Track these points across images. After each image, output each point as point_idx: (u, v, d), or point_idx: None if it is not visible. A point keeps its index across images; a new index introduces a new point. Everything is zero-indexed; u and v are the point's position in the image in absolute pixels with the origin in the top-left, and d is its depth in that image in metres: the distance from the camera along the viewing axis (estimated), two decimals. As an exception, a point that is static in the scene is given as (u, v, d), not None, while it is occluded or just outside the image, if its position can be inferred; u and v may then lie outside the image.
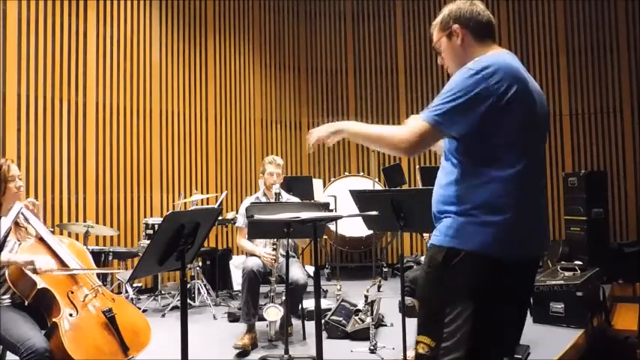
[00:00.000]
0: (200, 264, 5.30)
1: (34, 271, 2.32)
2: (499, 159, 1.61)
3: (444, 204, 1.69)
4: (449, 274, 1.62)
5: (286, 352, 3.22)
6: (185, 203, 5.44)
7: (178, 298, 4.62)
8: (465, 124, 1.61)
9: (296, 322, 4.00)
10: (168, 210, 5.96)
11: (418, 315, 1.74)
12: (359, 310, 3.86)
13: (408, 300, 3.20)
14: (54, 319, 2.30)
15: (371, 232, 5.79)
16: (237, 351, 3.51)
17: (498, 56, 1.68)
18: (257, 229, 3.58)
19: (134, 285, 4.99)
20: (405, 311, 2.98)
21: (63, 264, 2.50)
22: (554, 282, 4.09)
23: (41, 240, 2.55)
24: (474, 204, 1.61)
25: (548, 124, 1.82)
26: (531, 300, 4.17)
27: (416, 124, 1.66)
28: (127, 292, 4.77)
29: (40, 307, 2.42)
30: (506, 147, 1.61)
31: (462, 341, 1.57)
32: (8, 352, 2.28)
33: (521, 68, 1.68)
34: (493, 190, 1.60)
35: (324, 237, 6.41)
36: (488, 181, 1.61)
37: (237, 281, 5.40)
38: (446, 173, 1.71)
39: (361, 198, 3.00)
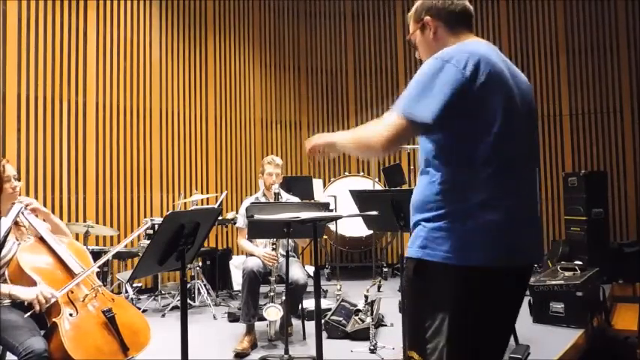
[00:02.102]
0: (200, 264, 5.30)
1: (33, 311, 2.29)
2: (472, 157, 1.48)
3: (415, 212, 1.59)
4: (421, 286, 1.54)
5: (286, 352, 3.22)
6: (185, 203, 5.44)
7: (178, 298, 4.62)
8: (440, 114, 1.47)
9: (296, 322, 4.00)
10: (168, 210, 5.96)
11: (408, 329, 1.67)
12: (359, 310, 3.86)
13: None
14: (54, 319, 2.30)
15: (371, 232, 5.79)
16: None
17: (469, 44, 1.57)
18: (257, 229, 3.58)
19: (134, 285, 4.99)
20: (405, 311, 2.98)
21: (63, 264, 2.50)
22: (554, 282, 4.09)
23: (41, 239, 2.55)
24: (443, 210, 1.50)
25: (534, 116, 1.66)
26: (531, 300, 4.19)
27: (388, 119, 1.53)
28: (126, 292, 4.77)
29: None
30: (481, 142, 1.48)
31: (442, 357, 1.49)
32: (8, 353, 2.28)
33: (496, 57, 1.55)
34: (460, 195, 1.48)
35: (324, 237, 6.41)
36: (458, 183, 1.49)
37: (237, 281, 5.40)
38: (420, 180, 1.61)
39: (361, 198, 3.00)
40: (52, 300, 2.31)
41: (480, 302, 1.49)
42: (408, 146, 4.08)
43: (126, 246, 5.61)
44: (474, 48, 1.53)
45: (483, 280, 1.48)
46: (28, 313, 2.28)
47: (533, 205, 1.60)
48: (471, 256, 1.47)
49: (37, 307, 2.27)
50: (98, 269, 3.90)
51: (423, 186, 1.57)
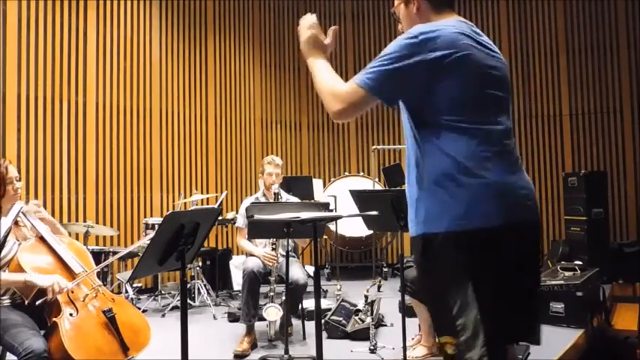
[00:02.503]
0: (200, 264, 5.30)
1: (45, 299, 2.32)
2: (450, 126, 1.51)
3: (412, 193, 1.59)
4: (435, 262, 1.52)
5: (286, 352, 3.22)
6: (185, 203, 5.44)
7: (178, 298, 4.62)
8: (400, 90, 1.55)
9: (296, 322, 4.00)
10: (168, 210, 5.96)
11: (433, 315, 1.63)
12: (359, 310, 3.86)
13: (408, 300, 3.20)
14: (54, 319, 2.30)
15: (371, 232, 5.79)
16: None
17: (442, 23, 1.59)
18: (257, 229, 3.57)
19: (134, 285, 4.99)
20: (405, 311, 2.98)
21: (63, 264, 2.50)
22: (554, 282, 4.09)
23: (41, 239, 2.55)
24: (435, 179, 1.51)
25: (507, 85, 1.66)
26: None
27: (349, 87, 1.57)
28: (127, 292, 4.77)
29: (40, 306, 2.42)
30: (451, 112, 1.51)
31: (477, 330, 1.45)
32: (8, 353, 2.28)
33: (467, 35, 1.56)
34: (449, 159, 1.50)
35: (324, 237, 6.41)
36: (442, 150, 1.51)
37: (237, 281, 5.40)
38: (407, 155, 1.64)
39: (361, 198, 3.00)
40: (64, 290, 2.34)
41: (496, 262, 1.48)
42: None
43: (126, 246, 5.63)
44: (444, 26, 1.55)
45: (492, 240, 1.48)
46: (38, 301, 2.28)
47: (515, 160, 1.61)
48: (475, 219, 1.47)
49: (50, 295, 2.29)
50: (98, 269, 3.90)
51: (409, 161, 1.61)
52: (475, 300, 1.46)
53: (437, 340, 1.61)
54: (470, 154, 1.50)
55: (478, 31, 1.64)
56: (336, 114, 1.59)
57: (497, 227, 1.48)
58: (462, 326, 1.47)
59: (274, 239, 3.78)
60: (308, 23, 1.81)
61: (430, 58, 1.49)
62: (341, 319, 3.87)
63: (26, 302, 2.39)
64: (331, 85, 1.63)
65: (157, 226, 4.64)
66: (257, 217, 3.11)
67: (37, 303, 2.32)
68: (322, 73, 1.69)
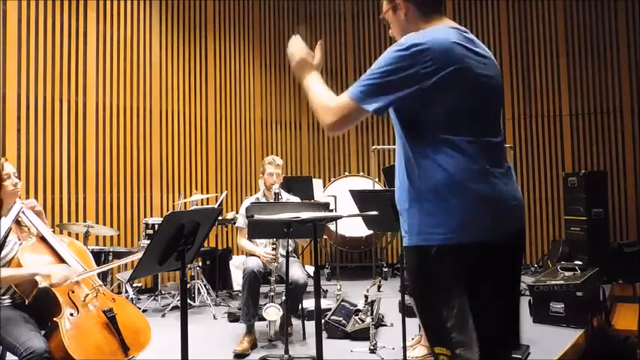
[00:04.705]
0: (200, 264, 5.31)
1: (50, 284, 2.33)
2: (444, 140, 1.52)
3: (402, 200, 1.61)
4: (430, 273, 1.53)
5: (286, 352, 3.22)
6: (185, 203, 5.44)
7: (178, 298, 4.62)
8: (391, 103, 1.55)
9: (296, 322, 4.00)
10: (168, 210, 5.96)
11: (426, 325, 1.64)
12: (359, 310, 3.86)
13: (408, 300, 3.20)
14: (55, 319, 2.30)
15: (371, 232, 5.79)
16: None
17: (434, 32, 1.58)
18: (257, 229, 3.58)
19: (134, 285, 4.99)
20: (405, 311, 2.98)
21: (64, 263, 2.50)
22: (554, 282, 4.09)
23: (42, 239, 2.55)
24: (429, 192, 1.52)
25: (501, 94, 1.70)
26: (531, 300, 4.19)
27: (341, 100, 1.58)
28: (127, 292, 4.77)
29: (40, 306, 2.42)
30: (446, 125, 1.52)
31: (472, 343, 1.47)
32: (8, 353, 2.28)
33: (459, 44, 1.56)
34: (444, 172, 1.51)
35: (324, 237, 6.41)
36: (437, 162, 1.52)
37: (237, 281, 5.40)
38: (398, 165, 1.64)
39: (361, 198, 3.00)
40: (68, 281, 2.36)
41: (490, 273, 1.51)
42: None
43: (126, 246, 5.63)
44: (436, 37, 1.54)
45: (487, 252, 1.50)
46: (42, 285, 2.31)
47: (506, 171, 1.62)
48: (470, 232, 1.50)
49: (55, 280, 2.32)
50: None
51: (402, 171, 1.61)
52: (470, 313, 1.48)
53: (431, 348, 1.60)
54: (464, 167, 1.51)
55: (471, 37, 1.63)
56: (329, 127, 1.61)
57: (491, 239, 1.52)
58: (458, 340, 1.49)
59: (274, 239, 3.78)
60: (295, 48, 1.80)
61: (422, 72, 1.49)
62: (341, 319, 3.87)
63: (27, 302, 2.39)
64: (323, 99, 1.64)
65: (157, 226, 4.66)
66: (257, 217, 3.11)
67: (41, 286, 2.33)
68: (314, 89, 1.70)
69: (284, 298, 3.56)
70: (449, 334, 1.50)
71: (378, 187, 6.37)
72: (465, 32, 1.64)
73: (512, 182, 1.62)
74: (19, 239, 2.53)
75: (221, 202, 5.45)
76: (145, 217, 5.79)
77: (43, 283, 2.36)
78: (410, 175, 1.58)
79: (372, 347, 3.45)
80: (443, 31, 1.59)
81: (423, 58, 1.49)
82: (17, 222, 2.56)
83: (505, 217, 1.56)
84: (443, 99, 1.51)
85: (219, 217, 4.63)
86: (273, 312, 3.61)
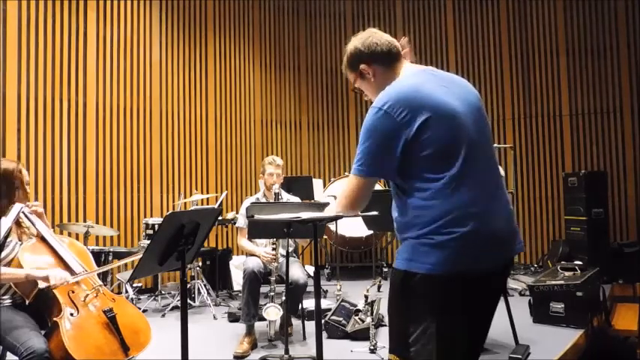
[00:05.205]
0: (200, 264, 5.31)
1: (48, 286, 2.33)
2: (429, 180, 1.61)
3: (400, 231, 1.71)
4: (408, 296, 1.64)
5: (286, 352, 3.22)
6: (185, 203, 5.44)
7: (178, 298, 4.62)
8: (390, 160, 1.63)
9: (296, 322, 4.00)
10: (168, 210, 5.96)
11: (389, 333, 1.75)
12: (359, 310, 3.86)
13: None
14: (55, 319, 2.30)
15: (371, 232, 5.80)
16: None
17: (398, 84, 1.70)
18: (257, 229, 3.58)
19: (134, 285, 4.99)
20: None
21: (64, 264, 2.50)
22: (554, 282, 4.09)
23: (42, 239, 2.55)
24: (423, 226, 1.60)
25: (483, 120, 1.75)
26: (531, 300, 4.19)
27: (349, 183, 1.72)
28: (127, 292, 4.77)
29: (40, 306, 2.42)
30: (432, 163, 1.60)
31: (432, 357, 1.57)
32: (8, 353, 2.28)
33: (428, 85, 1.66)
34: (436, 208, 1.59)
35: (324, 237, 6.41)
36: (428, 199, 1.60)
37: (237, 281, 5.40)
38: (394, 200, 1.75)
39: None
40: (65, 283, 2.35)
41: (464, 305, 1.60)
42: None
43: (126, 246, 5.64)
44: (400, 88, 1.67)
45: (467, 285, 1.59)
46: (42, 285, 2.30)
47: (493, 192, 1.69)
48: (455, 266, 1.57)
49: (53, 282, 2.30)
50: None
51: (399, 208, 1.70)
52: (434, 334, 1.57)
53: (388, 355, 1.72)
54: (451, 206, 1.59)
55: (436, 72, 1.75)
56: (352, 206, 1.75)
57: (476, 272, 1.60)
58: (415, 353, 1.60)
59: (275, 239, 3.78)
60: None
61: (400, 122, 1.60)
62: (341, 319, 3.87)
63: (27, 302, 2.39)
64: (338, 204, 1.78)
65: (157, 227, 4.66)
66: (257, 217, 3.11)
67: (40, 287, 2.33)
68: (334, 205, 1.84)
69: (284, 298, 3.56)
70: (409, 347, 1.61)
71: (378, 187, 6.36)
72: (433, 70, 1.77)
73: (499, 202, 1.68)
74: (20, 240, 2.54)
75: (221, 202, 5.45)
76: (145, 217, 5.79)
77: (42, 284, 2.36)
78: (402, 213, 1.68)
79: (372, 347, 3.45)
80: (407, 78, 1.73)
81: (398, 111, 1.61)
82: (18, 223, 2.56)
83: (492, 249, 1.63)
84: (423, 142, 1.60)
85: (219, 217, 4.63)
86: (273, 312, 3.62)
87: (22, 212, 2.52)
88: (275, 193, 3.87)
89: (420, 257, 1.60)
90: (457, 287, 1.58)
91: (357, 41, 1.82)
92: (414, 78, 1.72)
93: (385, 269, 6.36)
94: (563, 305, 3.98)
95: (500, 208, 1.68)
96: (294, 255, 4.22)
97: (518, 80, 7.23)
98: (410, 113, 1.59)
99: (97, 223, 5.34)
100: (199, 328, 4.26)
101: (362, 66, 1.81)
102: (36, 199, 5.08)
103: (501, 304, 2.86)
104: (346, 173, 7.15)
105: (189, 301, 4.83)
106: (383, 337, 3.75)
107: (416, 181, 1.63)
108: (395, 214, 1.73)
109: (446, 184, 1.59)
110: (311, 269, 4.52)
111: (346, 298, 4.29)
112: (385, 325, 4.08)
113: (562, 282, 4.06)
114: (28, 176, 2.61)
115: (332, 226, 6.10)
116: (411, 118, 1.59)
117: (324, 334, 3.69)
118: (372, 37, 1.81)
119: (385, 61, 1.79)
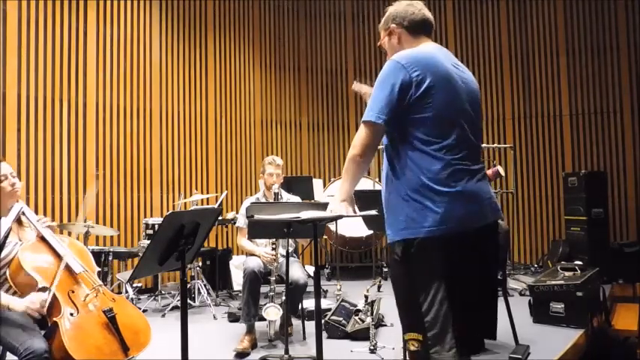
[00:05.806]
0: (200, 264, 5.30)
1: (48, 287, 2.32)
2: (426, 142, 1.72)
3: (387, 194, 1.79)
4: (411, 264, 1.69)
5: (286, 352, 3.22)
6: (185, 203, 5.44)
7: (178, 298, 4.62)
8: (398, 111, 1.74)
9: (296, 322, 4.00)
10: (168, 210, 5.96)
11: (400, 316, 1.78)
12: (359, 310, 3.86)
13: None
14: (54, 319, 2.30)
15: (371, 232, 5.79)
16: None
17: (420, 49, 1.87)
18: (257, 229, 3.58)
19: (134, 285, 4.98)
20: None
21: (66, 266, 2.50)
22: (554, 282, 4.09)
23: (42, 239, 2.55)
24: (414, 190, 1.70)
25: (478, 105, 1.91)
26: (531, 300, 4.19)
27: (360, 132, 1.79)
28: (127, 292, 4.76)
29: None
30: (429, 128, 1.72)
31: (445, 324, 1.62)
32: (8, 353, 2.28)
33: (443, 59, 1.81)
34: (426, 170, 1.69)
35: (324, 237, 6.41)
36: (420, 164, 1.70)
37: (237, 281, 5.40)
38: (385, 164, 1.85)
39: (361, 198, 2.99)
40: (48, 299, 2.30)
41: (467, 261, 1.69)
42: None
43: (126, 246, 5.64)
44: (422, 52, 1.82)
45: (466, 241, 1.68)
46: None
47: (480, 171, 1.83)
48: (451, 224, 1.67)
49: (35, 314, 2.27)
50: (99, 269, 3.90)
51: (386, 174, 1.82)
52: (446, 297, 1.64)
53: (403, 337, 1.76)
54: (444, 167, 1.69)
55: (453, 58, 1.90)
56: (365, 154, 1.80)
57: (470, 230, 1.70)
58: (430, 322, 1.65)
59: (274, 239, 3.78)
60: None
61: (412, 78, 1.72)
62: (341, 319, 3.87)
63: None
64: (348, 156, 1.85)
65: (157, 227, 4.66)
66: (257, 217, 3.11)
67: (40, 286, 2.33)
68: (344, 178, 1.96)
69: (284, 298, 3.56)
70: (422, 318, 1.66)
71: (378, 187, 6.37)
72: (448, 53, 1.92)
73: (484, 182, 1.83)
74: (20, 240, 2.53)
75: (221, 202, 5.45)
76: (145, 217, 5.79)
77: (42, 283, 2.36)
78: (396, 175, 1.77)
79: (372, 347, 3.45)
80: (429, 48, 1.88)
81: (412, 68, 1.73)
82: (19, 222, 2.56)
83: (482, 209, 1.76)
84: (426, 104, 1.72)
85: (219, 217, 4.63)
86: (273, 312, 3.61)
87: (22, 212, 2.52)
88: (275, 193, 3.87)
89: (413, 223, 1.68)
90: (457, 243, 1.66)
91: (398, 4, 2.02)
92: (433, 49, 1.87)
93: (385, 269, 6.36)
94: (563, 305, 3.97)
95: (486, 186, 1.82)
96: (294, 255, 4.22)
97: (518, 80, 7.23)
98: (422, 75, 1.72)
99: (97, 223, 5.33)
100: (199, 328, 4.26)
101: (392, 25, 1.99)
102: (36, 199, 5.08)
103: (501, 304, 2.86)
104: (346, 173, 7.15)
105: (189, 301, 4.83)
106: (383, 337, 3.75)
107: (410, 144, 1.73)
108: (383, 182, 1.83)
109: (438, 150, 1.70)
110: (311, 269, 4.52)
111: (346, 298, 4.29)
112: (385, 325, 4.08)
113: (562, 282, 4.06)
114: (9, 169, 2.53)
115: (332, 226, 6.10)
116: (422, 80, 1.71)
117: (324, 334, 3.69)
118: (413, 6, 2.00)
119: (412, 30, 1.96)
